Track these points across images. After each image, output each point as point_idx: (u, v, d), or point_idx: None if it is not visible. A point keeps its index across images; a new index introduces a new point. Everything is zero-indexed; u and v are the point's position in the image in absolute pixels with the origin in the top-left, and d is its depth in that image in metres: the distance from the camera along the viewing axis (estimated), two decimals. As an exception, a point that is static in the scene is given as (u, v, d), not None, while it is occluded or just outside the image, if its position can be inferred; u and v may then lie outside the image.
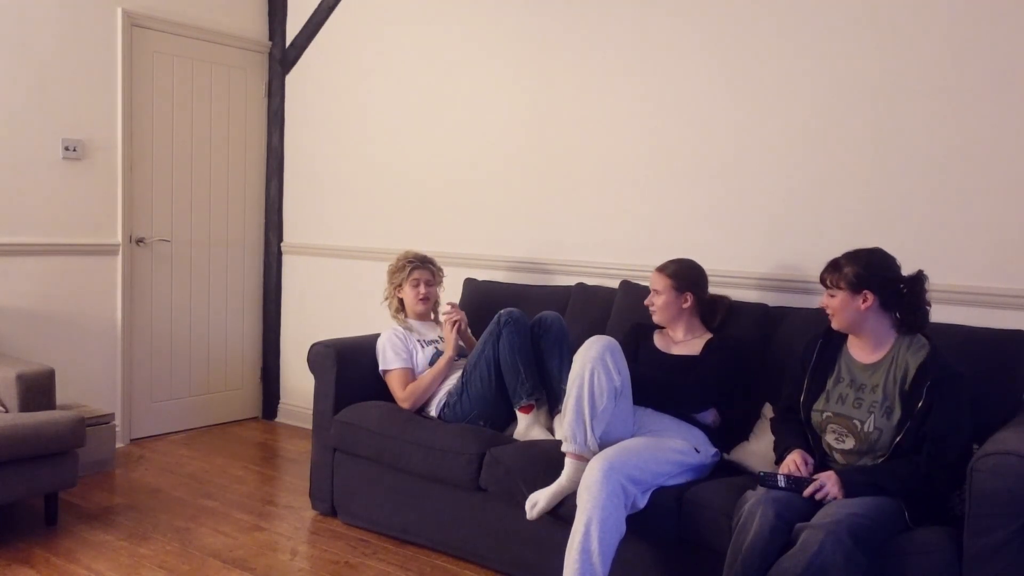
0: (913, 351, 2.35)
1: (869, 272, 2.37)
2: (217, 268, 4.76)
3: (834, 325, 2.46)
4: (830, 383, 2.46)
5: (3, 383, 3.26)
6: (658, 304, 2.95)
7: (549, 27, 3.82)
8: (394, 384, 3.33)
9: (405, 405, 3.28)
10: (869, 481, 2.24)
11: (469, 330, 3.46)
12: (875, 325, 2.40)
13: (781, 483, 2.31)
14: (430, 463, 3.01)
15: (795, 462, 2.40)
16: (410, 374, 3.34)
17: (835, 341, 2.51)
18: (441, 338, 3.46)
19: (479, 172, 4.08)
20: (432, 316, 3.60)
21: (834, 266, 2.43)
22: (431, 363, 3.34)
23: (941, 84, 2.87)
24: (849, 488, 2.23)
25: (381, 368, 3.39)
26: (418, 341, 3.42)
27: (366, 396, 3.38)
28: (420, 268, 3.50)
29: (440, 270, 3.59)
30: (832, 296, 2.42)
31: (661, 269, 2.99)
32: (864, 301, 2.37)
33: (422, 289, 3.48)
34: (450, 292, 3.83)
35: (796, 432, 2.52)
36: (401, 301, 3.53)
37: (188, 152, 4.58)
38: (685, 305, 2.95)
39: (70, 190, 4.08)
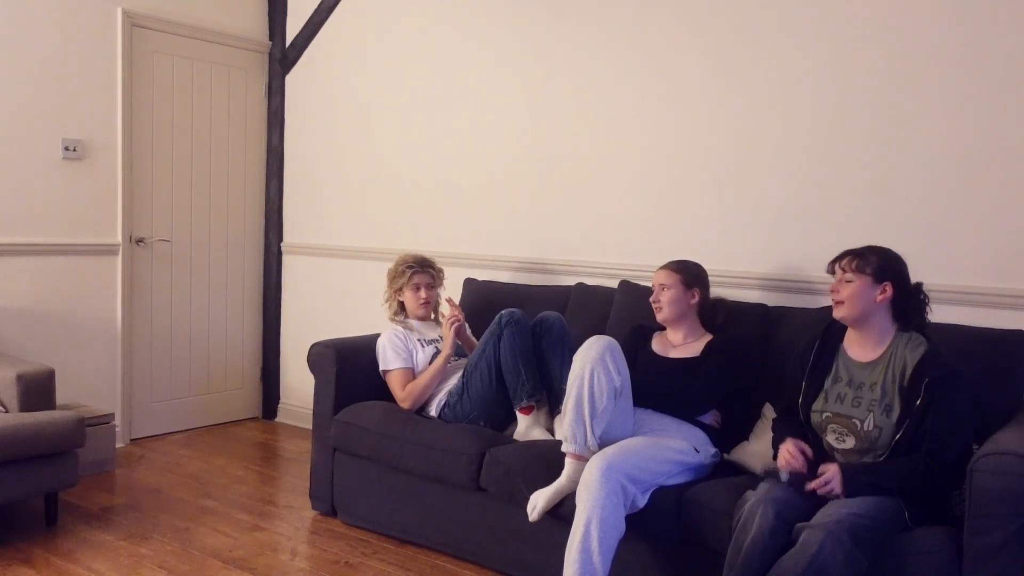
0: (911, 348, 2.34)
1: (893, 267, 2.38)
2: (217, 268, 4.76)
3: (841, 313, 2.40)
4: (828, 383, 2.45)
5: (3, 383, 3.26)
6: (665, 299, 2.91)
7: (549, 27, 3.82)
8: (394, 384, 3.33)
9: (405, 405, 3.28)
10: (870, 481, 2.24)
11: (468, 330, 3.46)
12: (880, 320, 2.39)
13: (784, 478, 2.31)
14: (430, 463, 3.01)
15: (788, 451, 2.38)
16: (410, 374, 3.33)
17: (832, 341, 2.50)
18: (441, 337, 3.46)
19: (479, 172, 4.08)
20: (432, 316, 3.60)
21: (857, 252, 2.40)
22: (431, 363, 3.34)
23: (942, 86, 2.87)
24: (851, 488, 2.23)
25: (382, 368, 3.38)
26: (418, 341, 3.42)
27: (366, 396, 3.38)
28: (420, 272, 3.48)
29: (440, 271, 3.57)
30: (849, 282, 2.37)
31: (667, 266, 2.98)
32: (883, 293, 2.36)
33: (423, 293, 3.46)
34: (450, 292, 3.82)
35: (795, 431, 2.52)
36: (401, 304, 3.53)
37: (188, 152, 4.58)
38: (692, 301, 2.93)
39: (70, 190, 4.08)
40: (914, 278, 2.43)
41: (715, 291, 3.13)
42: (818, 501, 2.26)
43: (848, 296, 2.38)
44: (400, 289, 3.50)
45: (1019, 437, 2.12)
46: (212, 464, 4.10)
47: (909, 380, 2.29)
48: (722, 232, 3.35)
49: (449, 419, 3.19)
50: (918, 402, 2.25)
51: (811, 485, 2.26)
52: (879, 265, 2.37)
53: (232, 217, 4.81)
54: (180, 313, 4.60)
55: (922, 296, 2.41)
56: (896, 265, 2.40)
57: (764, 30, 3.23)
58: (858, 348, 2.44)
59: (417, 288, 3.47)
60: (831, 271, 2.46)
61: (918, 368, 2.29)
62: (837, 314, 2.43)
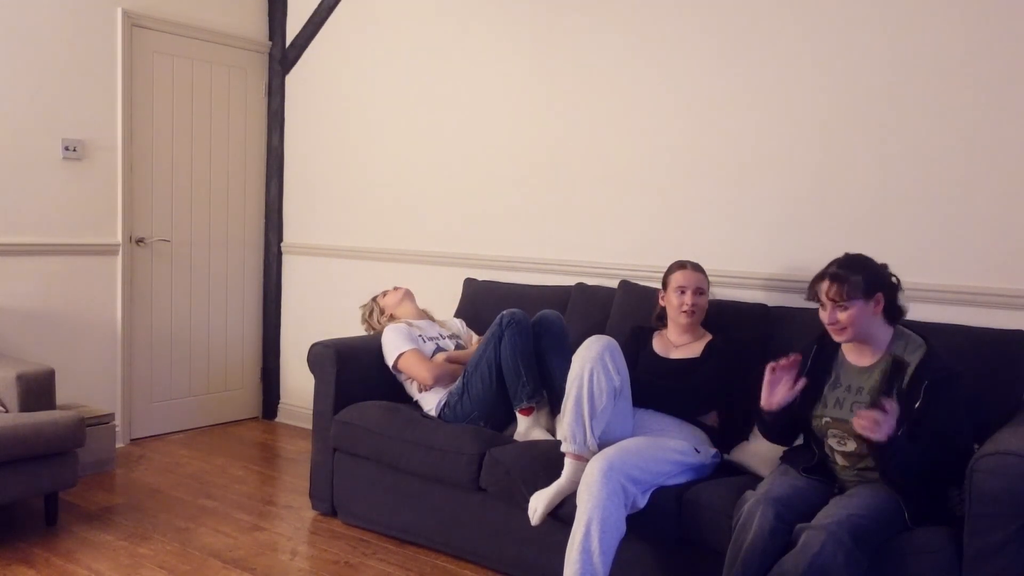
0: (910, 351, 2.33)
1: (875, 275, 2.35)
2: (217, 268, 4.76)
3: (845, 338, 2.35)
4: (827, 388, 2.43)
5: (3, 383, 3.26)
6: (701, 305, 2.92)
7: (551, 27, 3.81)
8: (412, 363, 3.30)
9: (430, 379, 3.26)
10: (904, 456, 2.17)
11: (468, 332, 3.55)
12: (878, 328, 2.37)
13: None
14: (430, 463, 3.01)
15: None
16: (424, 355, 3.34)
17: (830, 347, 2.48)
18: (442, 335, 3.50)
19: (480, 172, 4.08)
20: (424, 312, 3.63)
21: (838, 278, 2.32)
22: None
23: (944, 86, 2.87)
24: (886, 451, 2.15)
25: (394, 355, 3.34)
26: (419, 336, 3.42)
27: (366, 396, 3.38)
28: (382, 297, 3.72)
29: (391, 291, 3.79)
30: (844, 309, 2.30)
31: (699, 268, 2.97)
32: (877, 304, 2.33)
33: (392, 291, 3.68)
34: (450, 292, 3.83)
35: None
36: (393, 317, 3.63)
37: (188, 152, 4.57)
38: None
39: (70, 190, 4.08)
40: (915, 278, 2.41)
41: (716, 291, 3.13)
42: (819, 501, 2.26)
43: (849, 322, 2.31)
44: (383, 312, 3.66)
45: (1019, 437, 2.12)
46: (212, 464, 4.10)
47: (908, 383, 2.28)
48: (723, 232, 3.35)
49: (449, 419, 3.19)
50: (917, 404, 2.24)
51: (862, 415, 2.13)
52: (866, 281, 2.32)
53: (232, 217, 4.81)
54: (180, 313, 4.60)
55: (893, 279, 2.37)
56: (878, 272, 2.36)
57: (768, 30, 3.23)
58: (857, 354, 2.42)
59: (386, 295, 3.68)
60: (812, 297, 2.39)
61: (917, 371, 2.28)
62: (841, 339, 2.36)
